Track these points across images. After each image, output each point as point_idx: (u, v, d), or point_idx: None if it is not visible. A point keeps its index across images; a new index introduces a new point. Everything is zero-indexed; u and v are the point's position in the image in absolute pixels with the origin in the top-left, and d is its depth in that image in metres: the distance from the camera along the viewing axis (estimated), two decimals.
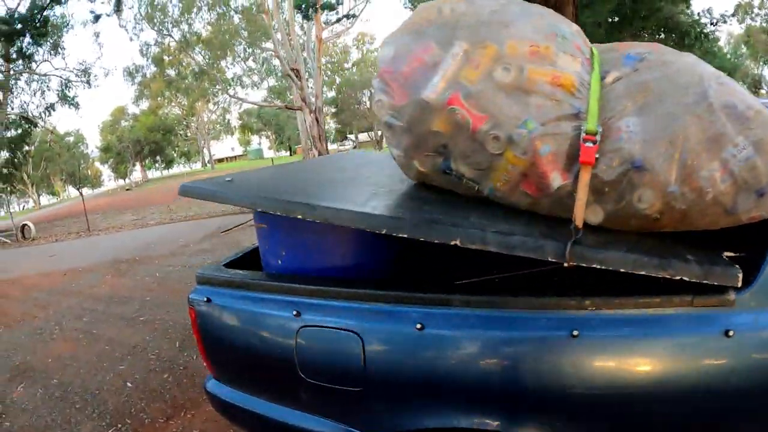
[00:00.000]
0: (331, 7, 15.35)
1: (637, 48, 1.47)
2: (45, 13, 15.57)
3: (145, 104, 41.19)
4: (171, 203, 17.84)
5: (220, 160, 65.55)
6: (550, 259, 1.27)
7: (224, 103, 45.17)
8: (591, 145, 1.27)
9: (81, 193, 16.25)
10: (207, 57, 26.05)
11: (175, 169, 57.58)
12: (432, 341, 1.41)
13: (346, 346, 1.49)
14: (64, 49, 21.47)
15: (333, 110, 36.09)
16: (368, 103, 33.15)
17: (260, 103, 35.27)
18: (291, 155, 49.47)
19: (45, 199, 46.93)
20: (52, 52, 20.18)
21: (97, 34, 24.92)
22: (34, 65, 20.44)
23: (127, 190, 35.42)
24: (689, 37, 12.62)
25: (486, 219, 1.41)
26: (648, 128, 1.27)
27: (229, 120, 54.04)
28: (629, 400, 1.27)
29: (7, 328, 5.65)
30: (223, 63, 27.84)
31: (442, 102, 1.39)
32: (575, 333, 1.27)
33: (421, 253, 1.92)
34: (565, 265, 1.26)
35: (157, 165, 52.12)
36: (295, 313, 1.59)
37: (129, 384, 3.71)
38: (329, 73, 37.70)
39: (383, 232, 1.38)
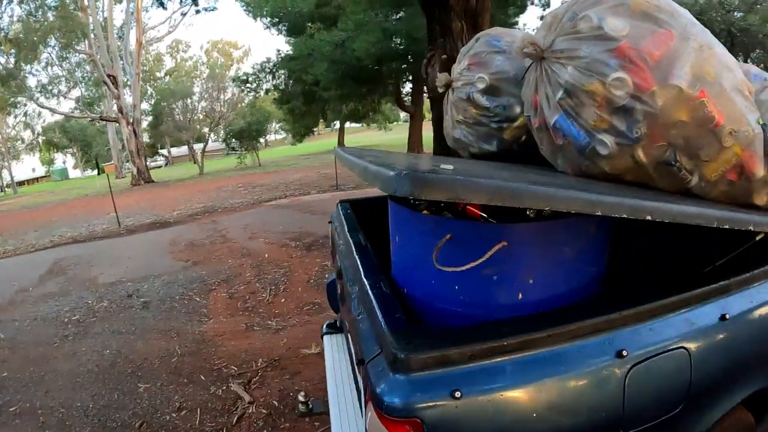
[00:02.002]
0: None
1: (753, 69, 1.74)
2: None
3: None
4: None
5: (21, 183, 53.18)
6: None
7: (27, 117, 36.97)
8: None
9: None
10: (12, 59, 20.64)
11: None
12: (735, 326, 1.37)
13: (676, 366, 1.26)
14: None
15: (148, 122, 32.21)
16: (182, 115, 30.55)
17: (72, 114, 29.59)
18: (99, 174, 42.71)
19: None
20: None
21: None
22: None
23: None
24: None
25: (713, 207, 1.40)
26: None
27: (33, 135, 44.44)
28: None
29: None
30: (28, 67, 22.40)
31: (693, 93, 1.33)
32: None
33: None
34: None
35: None
36: (619, 353, 1.14)
37: None
38: (141, 82, 33.82)
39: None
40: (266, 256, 6.15)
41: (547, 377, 1.06)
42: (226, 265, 6.00)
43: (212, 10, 19.87)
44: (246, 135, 24.99)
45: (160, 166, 43.79)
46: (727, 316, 1.33)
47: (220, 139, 29.82)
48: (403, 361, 1.01)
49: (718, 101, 1.35)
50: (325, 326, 2.66)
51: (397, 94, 21.42)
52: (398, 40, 12.31)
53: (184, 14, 22.50)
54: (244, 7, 14.33)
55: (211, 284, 5.27)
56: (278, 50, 16.79)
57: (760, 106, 1.54)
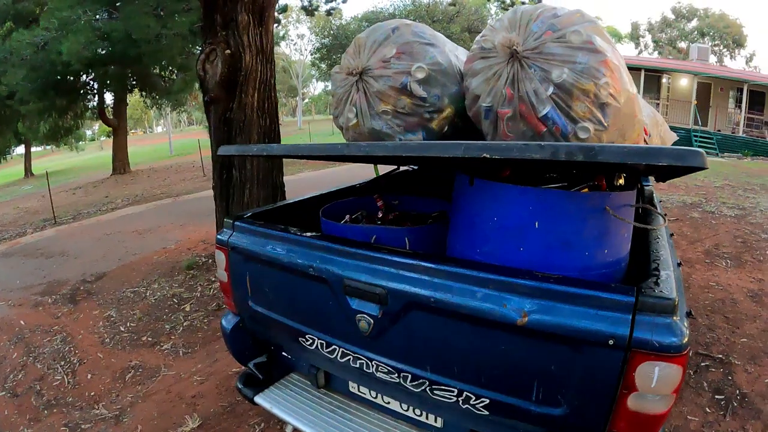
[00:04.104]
0: None
1: None
2: None
3: None
4: None
5: None
6: None
7: None
8: None
9: None
10: None
11: None
12: None
13: None
14: None
15: None
16: None
17: None
18: None
19: None
20: None
21: None
22: None
23: None
24: None
25: None
26: None
27: None
28: None
29: None
30: None
31: (632, 95, 1.77)
32: None
33: None
34: None
35: None
36: None
37: None
38: None
39: None
40: (22, 323, 4.54)
41: None
42: None
43: None
44: None
45: None
46: None
47: None
48: (674, 304, 1.17)
49: (636, 100, 1.82)
50: (241, 384, 2.12)
51: (101, 106, 18.65)
52: (107, 43, 10.66)
53: None
54: None
55: None
56: None
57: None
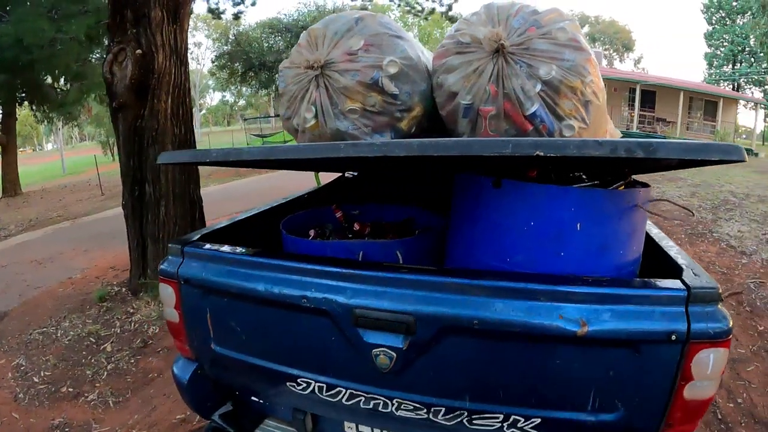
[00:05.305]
0: None
1: None
2: None
3: None
4: None
5: None
6: None
7: None
8: None
9: None
10: None
11: None
12: None
13: None
14: None
15: None
16: None
17: None
18: None
19: None
20: None
21: None
22: None
23: None
24: None
25: None
26: None
27: None
28: None
29: None
30: None
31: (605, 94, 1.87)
32: None
33: None
34: None
35: None
36: None
37: None
38: None
39: None
40: None
41: None
42: None
43: None
44: None
45: None
46: None
47: None
48: (719, 292, 1.23)
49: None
50: None
51: None
52: None
53: None
54: None
55: None
56: None
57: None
